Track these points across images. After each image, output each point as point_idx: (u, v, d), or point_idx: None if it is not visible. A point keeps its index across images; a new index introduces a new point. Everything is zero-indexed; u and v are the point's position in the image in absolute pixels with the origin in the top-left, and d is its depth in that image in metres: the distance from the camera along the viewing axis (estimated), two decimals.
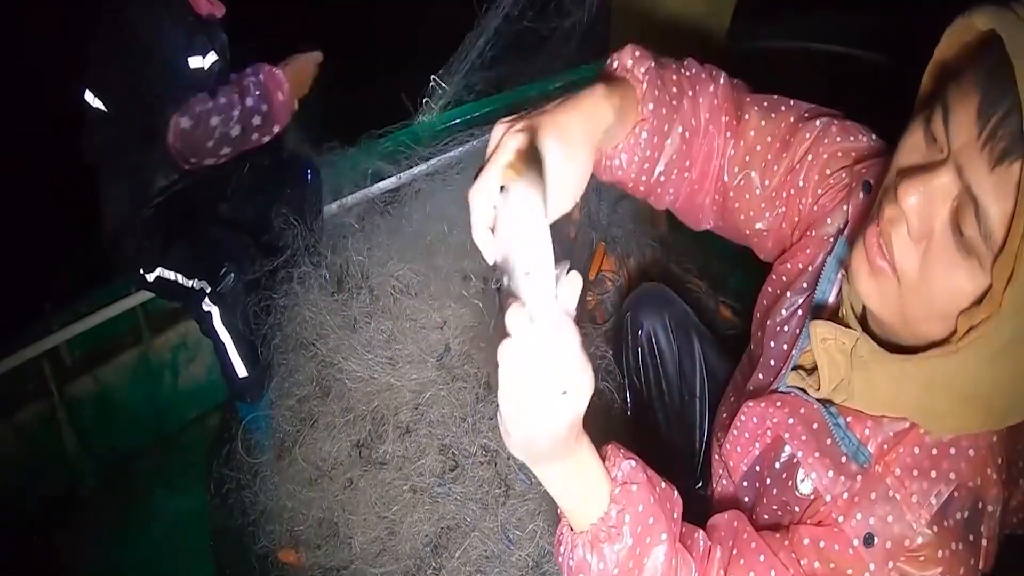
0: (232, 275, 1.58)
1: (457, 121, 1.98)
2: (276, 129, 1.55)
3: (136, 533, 1.67)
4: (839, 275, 0.74)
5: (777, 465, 0.74)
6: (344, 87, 1.78)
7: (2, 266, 2.19)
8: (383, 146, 1.92)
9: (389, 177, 1.87)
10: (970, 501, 0.61)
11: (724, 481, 0.86)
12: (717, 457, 0.88)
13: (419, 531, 1.32)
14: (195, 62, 1.52)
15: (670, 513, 0.67)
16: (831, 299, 0.74)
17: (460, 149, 1.88)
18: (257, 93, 1.49)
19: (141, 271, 1.60)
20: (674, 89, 0.76)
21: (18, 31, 2.75)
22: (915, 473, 0.62)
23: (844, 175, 0.76)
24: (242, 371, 1.60)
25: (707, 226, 0.89)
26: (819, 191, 0.78)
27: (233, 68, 1.61)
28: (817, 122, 0.78)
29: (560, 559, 0.67)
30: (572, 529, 0.65)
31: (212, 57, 1.56)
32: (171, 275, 1.60)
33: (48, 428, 1.71)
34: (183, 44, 1.50)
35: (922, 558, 0.60)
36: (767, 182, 0.80)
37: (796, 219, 0.81)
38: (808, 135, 0.78)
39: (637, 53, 0.74)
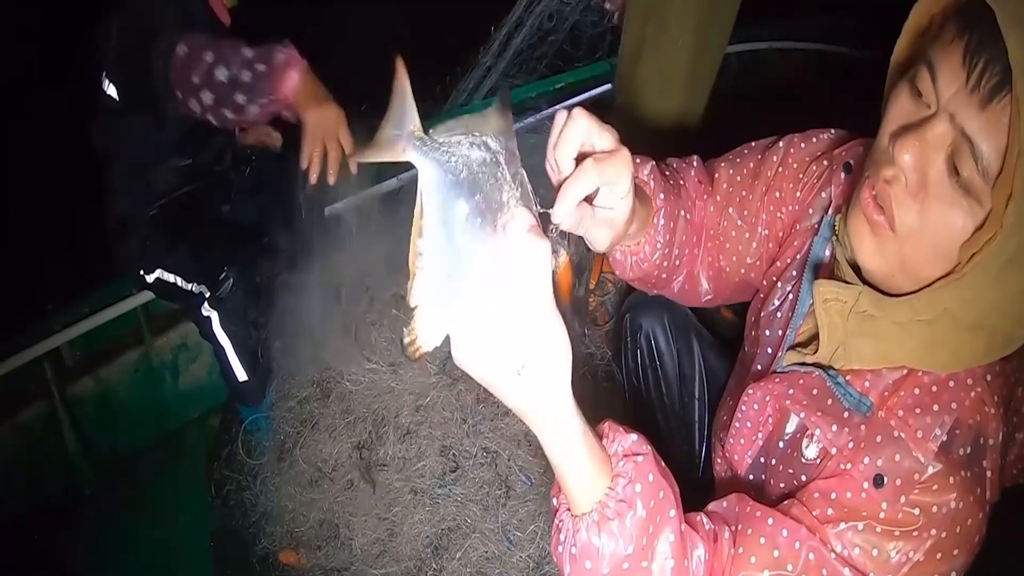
0: (231, 280, 1.58)
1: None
2: (266, 102, 1.30)
3: (137, 533, 1.67)
4: (830, 254, 0.77)
5: (781, 444, 0.75)
6: (345, 88, 1.78)
7: (3, 266, 2.20)
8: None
9: (390, 179, 1.87)
10: (971, 436, 0.63)
11: (728, 480, 0.86)
12: (720, 460, 0.88)
13: (420, 532, 1.32)
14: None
15: (676, 491, 0.64)
16: (828, 251, 0.78)
17: None
18: (264, 64, 1.29)
19: (141, 271, 1.60)
20: (671, 181, 0.85)
21: (18, 33, 2.75)
22: (917, 411, 0.64)
23: (815, 167, 0.82)
24: (242, 375, 1.60)
25: (708, 296, 0.94)
26: (796, 193, 0.83)
27: None
28: (780, 143, 0.86)
29: (559, 550, 0.60)
30: (572, 513, 0.60)
31: None
32: (171, 277, 1.60)
33: (49, 428, 1.71)
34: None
35: (935, 487, 0.61)
36: (746, 211, 0.87)
37: (780, 233, 0.85)
38: (775, 157, 0.85)
39: (638, 160, 0.82)
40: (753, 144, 0.90)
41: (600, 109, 1.99)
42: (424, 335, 0.50)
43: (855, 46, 2.58)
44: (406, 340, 0.51)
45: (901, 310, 0.63)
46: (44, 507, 1.70)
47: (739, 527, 0.67)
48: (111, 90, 1.54)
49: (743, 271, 0.90)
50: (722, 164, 0.90)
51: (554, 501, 0.63)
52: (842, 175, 0.76)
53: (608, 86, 2.01)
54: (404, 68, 0.52)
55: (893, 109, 0.61)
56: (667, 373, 1.24)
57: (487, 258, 0.49)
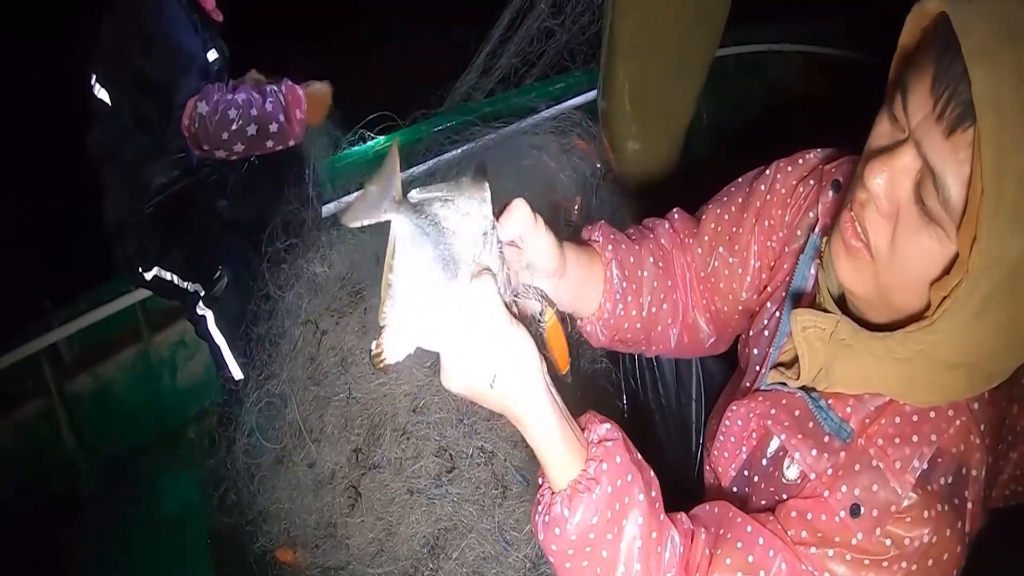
0: (226, 279, 1.58)
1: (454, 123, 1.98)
2: (291, 143, 1.56)
3: (134, 531, 1.67)
4: (816, 272, 0.77)
5: (764, 462, 0.75)
6: (344, 89, 1.78)
7: (1, 263, 2.20)
8: (381, 147, 1.92)
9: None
10: (954, 466, 0.62)
11: (714, 488, 0.87)
12: (708, 467, 0.89)
13: (416, 532, 1.32)
14: (210, 54, 1.53)
15: (648, 480, 0.68)
16: (809, 287, 0.78)
17: (459, 150, 1.88)
18: (276, 101, 1.51)
19: (139, 269, 1.60)
20: (633, 236, 0.89)
21: (19, 33, 2.75)
22: (897, 441, 0.63)
23: (802, 188, 0.81)
24: (237, 374, 1.60)
25: (711, 339, 0.94)
26: (785, 217, 0.83)
27: (233, 75, 1.62)
28: (767, 170, 0.86)
29: (536, 519, 0.68)
30: (551, 490, 0.67)
31: (214, 55, 1.56)
32: (167, 275, 1.60)
33: (47, 425, 1.71)
34: (195, 34, 1.50)
35: (909, 520, 0.61)
36: (737, 246, 0.86)
37: (772, 261, 0.85)
38: (763, 186, 0.85)
39: (588, 226, 0.87)
40: (740, 180, 0.90)
41: (594, 111, 2.00)
42: (389, 350, 0.61)
43: (854, 49, 2.59)
44: (373, 351, 0.62)
45: (877, 345, 0.63)
46: (42, 504, 1.70)
47: (720, 531, 0.68)
48: (102, 93, 1.54)
49: (740, 307, 0.89)
50: (709, 206, 0.91)
51: (540, 480, 0.70)
52: (830, 193, 0.76)
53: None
54: (396, 149, 0.62)
55: (874, 132, 0.62)
56: (664, 375, 1.24)
57: (447, 298, 0.60)
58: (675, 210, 0.95)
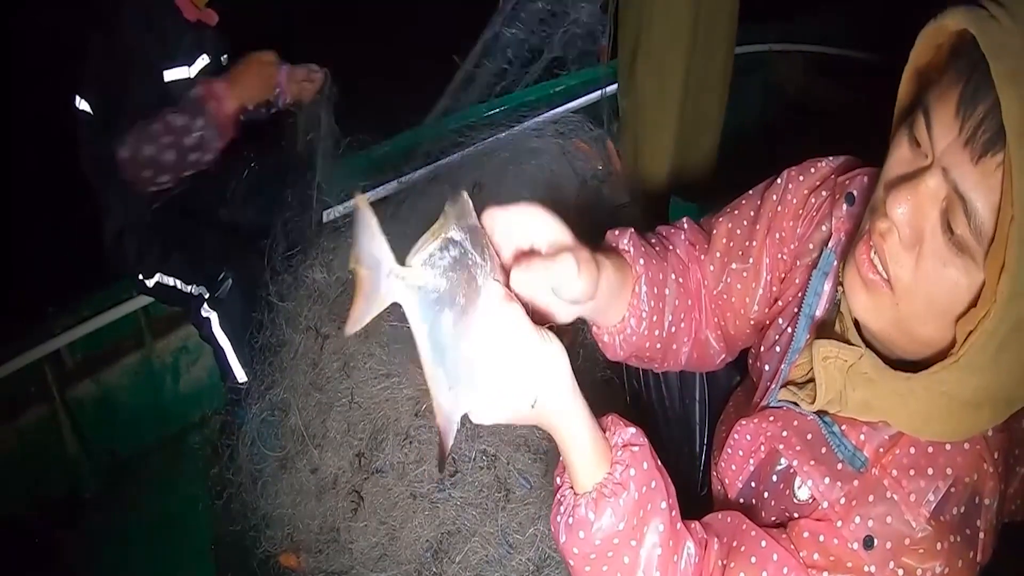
0: (230, 280, 1.58)
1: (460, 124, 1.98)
2: (218, 144, 1.52)
3: (137, 536, 1.67)
4: (830, 288, 0.75)
5: (774, 478, 0.74)
6: (345, 90, 1.78)
7: (4, 269, 2.20)
8: (384, 150, 1.92)
9: (390, 182, 1.87)
10: (967, 496, 0.61)
11: (721, 498, 0.86)
12: (715, 475, 0.88)
13: (419, 536, 1.32)
14: (174, 74, 1.52)
15: (668, 487, 0.67)
16: (819, 312, 0.75)
17: (458, 154, 1.88)
18: (192, 113, 1.47)
19: (141, 277, 1.61)
20: (656, 247, 0.84)
21: (20, 33, 2.76)
22: (912, 473, 0.62)
23: (814, 199, 0.79)
24: (241, 376, 1.61)
25: (722, 356, 0.92)
26: (797, 229, 0.80)
27: None
28: (778, 179, 0.83)
29: (558, 520, 0.66)
30: (574, 492, 0.65)
31: (201, 63, 1.56)
32: (170, 280, 1.61)
33: (49, 431, 1.71)
34: (167, 52, 1.50)
35: (921, 551, 0.60)
36: (751, 259, 0.84)
37: (783, 274, 0.83)
38: (775, 196, 0.82)
39: (617, 232, 0.82)
40: (751, 192, 0.87)
41: (597, 113, 2.00)
42: (446, 447, 0.57)
43: (855, 48, 2.58)
44: (440, 458, 0.59)
45: (900, 383, 0.61)
46: (45, 510, 1.70)
47: (734, 543, 0.67)
48: (83, 105, 1.54)
49: (752, 322, 0.87)
50: (720, 219, 0.88)
51: (557, 479, 0.68)
52: (844, 207, 0.73)
53: (608, 89, 2.01)
54: (366, 202, 0.51)
55: (892, 157, 0.59)
56: (668, 375, 1.23)
57: (477, 341, 0.56)
58: (685, 220, 0.92)
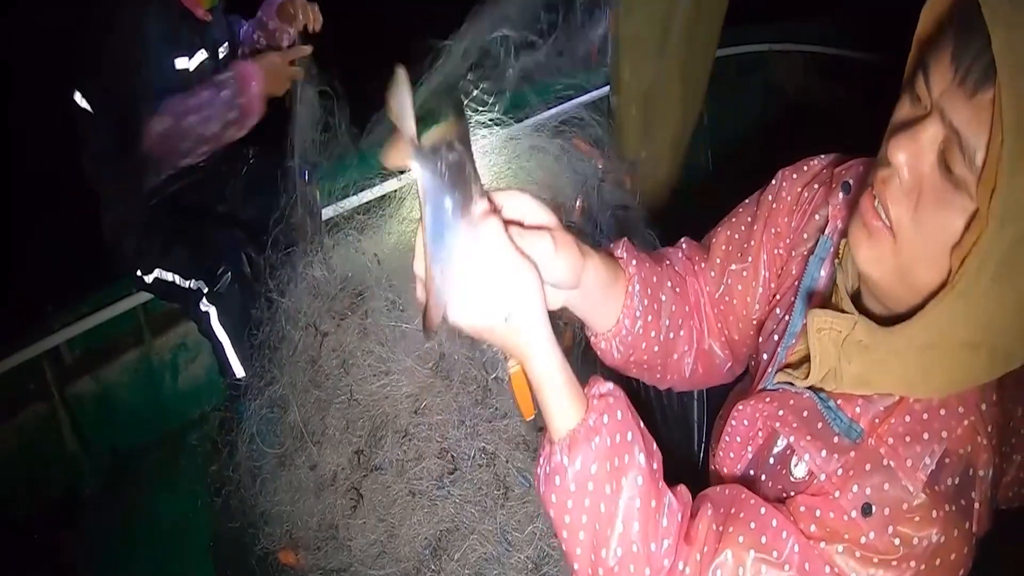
0: (229, 275, 1.58)
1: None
2: (249, 123, 1.55)
3: (136, 533, 1.67)
4: (826, 274, 0.76)
5: (771, 460, 0.75)
6: (345, 88, 1.78)
7: (3, 266, 2.20)
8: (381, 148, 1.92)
9: (389, 179, 1.87)
10: (961, 467, 0.62)
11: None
12: (713, 468, 0.89)
13: (418, 534, 1.32)
14: (180, 63, 1.53)
15: (650, 449, 0.68)
16: (819, 288, 0.77)
17: None
18: (231, 89, 1.50)
19: (139, 273, 1.61)
20: (653, 258, 0.88)
21: (20, 31, 2.76)
22: (908, 439, 0.63)
23: (807, 193, 0.81)
24: (240, 371, 1.61)
25: (728, 364, 0.93)
26: (791, 223, 0.83)
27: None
28: (773, 181, 0.86)
29: (537, 471, 0.69)
30: (552, 441, 0.67)
31: (200, 57, 1.56)
32: (169, 276, 1.61)
33: (49, 428, 1.71)
34: (170, 43, 1.50)
35: (918, 519, 0.61)
36: (749, 258, 0.86)
37: (779, 270, 0.85)
38: (771, 196, 0.85)
39: (611, 244, 0.85)
40: (747, 200, 0.90)
41: (595, 111, 2.00)
42: (434, 319, 0.62)
43: (854, 49, 2.59)
44: (421, 321, 0.63)
45: (897, 339, 0.63)
46: (44, 507, 1.70)
47: (732, 510, 0.68)
48: (83, 102, 1.54)
49: (754, 321, 0.88)
50: (718, 229, 0.91)
51: (542, 438, 0.70)
52: (840, 195, 0.76)
53: (604, 88, 2.02)
54: (404, 78, 0.57)
55: (894, 118, 0.62)
56: None
57: (466, 240, 0.61)
58: (683, 239, 0.95)
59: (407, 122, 0.58)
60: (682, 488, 0.71)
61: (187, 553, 1.63)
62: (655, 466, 0.68)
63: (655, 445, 0.70)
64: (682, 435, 1.22)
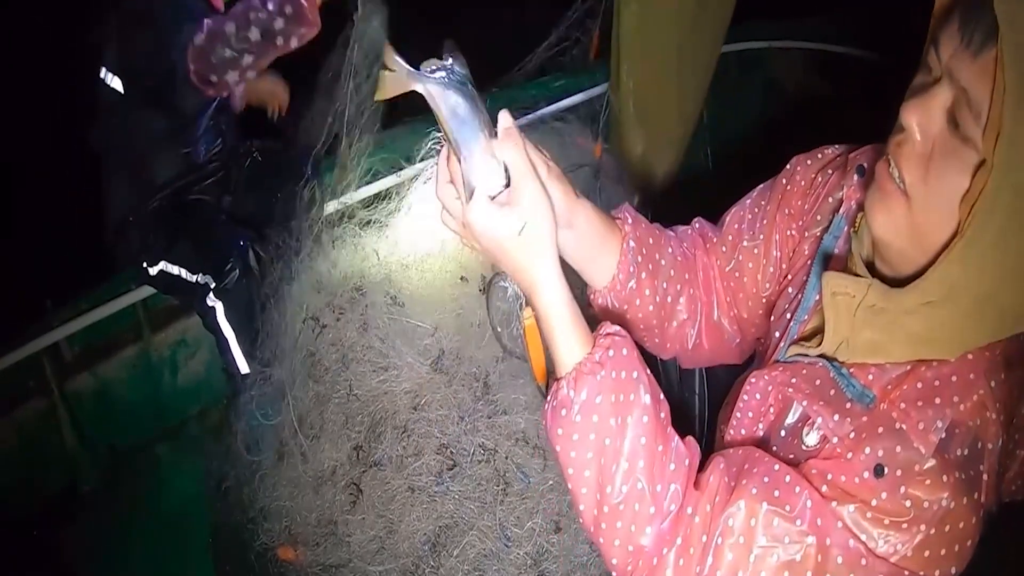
0: (237, 270, 1.58)
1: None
2: (303, 31, 1.41)
3: (136, 529, 1.67)
4: (839, 243, 0.78)
5: (783, 432, 0.75)
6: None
7: (2, 262, 2.20)
8: (383, 145, 1.92)
9: (388, 175, 1.86)
10: (970, 439, 0.63)
11: None
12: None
13: (417, 529, 1.32)
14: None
15: (656, 394, 0.70)
16: (835, 257, 0.78)
17: None
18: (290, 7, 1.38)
19: (144, 264, 1.60)
20: (657, 226, 0.91)
21: (20, 30, 2.75)
22: (919, 403, 0.64)
23: (821, 178, 0.83)
24: (244, 367, 1.60)
25: (736, 339, 0.94)
26: (805, 206, 0.84)
27: None
28: (788, 165, 0.88)
29: (546, 407, 0.70)
30: (559, 377, 0.69)
31: None
32: (175, 269, 1.60)
33: (48, 424, 1.71)
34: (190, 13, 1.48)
35: (928, 482, 0.62)
36: (761, 236, 0.88)
37: (792, 251, 0.86)
38: (785, 179, 0.87)
39: (613, 210, 0.89)
40: (761, 185, 0.92)
41: (594, 108, 2.00)
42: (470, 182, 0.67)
43: (855, 46, 2.59)
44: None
45: (909, 297, 0.64)
46: (43, 502, 1.70)
47: (745, 465, 0.69)
48: (115, 83, 1.53)
49: (764, 300, 0.90)
50: (731, 209, 0.93)
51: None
52: (855, 177, 0.77)
53: (603, 85, 2.02)
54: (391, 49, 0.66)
55: (909, 90, 0.64)
56: (667, 368, 1.24)
57: (486, 150, 0.66)
58: (696, 219, 0.97)
59: (401, 62, 0.65)
60: (691, 439, 0.72)
61: (186, 549, 1.63)
62: (662, 414, 0.70)
63: (663, 397, 0.71)
64: (683, 431, 1.22)
